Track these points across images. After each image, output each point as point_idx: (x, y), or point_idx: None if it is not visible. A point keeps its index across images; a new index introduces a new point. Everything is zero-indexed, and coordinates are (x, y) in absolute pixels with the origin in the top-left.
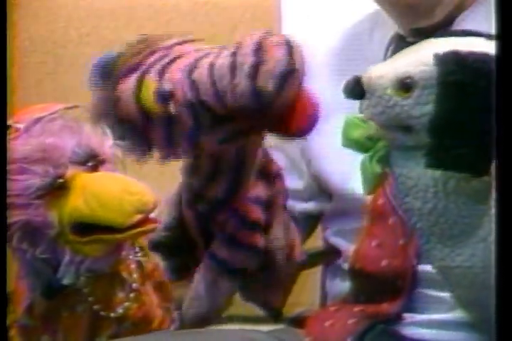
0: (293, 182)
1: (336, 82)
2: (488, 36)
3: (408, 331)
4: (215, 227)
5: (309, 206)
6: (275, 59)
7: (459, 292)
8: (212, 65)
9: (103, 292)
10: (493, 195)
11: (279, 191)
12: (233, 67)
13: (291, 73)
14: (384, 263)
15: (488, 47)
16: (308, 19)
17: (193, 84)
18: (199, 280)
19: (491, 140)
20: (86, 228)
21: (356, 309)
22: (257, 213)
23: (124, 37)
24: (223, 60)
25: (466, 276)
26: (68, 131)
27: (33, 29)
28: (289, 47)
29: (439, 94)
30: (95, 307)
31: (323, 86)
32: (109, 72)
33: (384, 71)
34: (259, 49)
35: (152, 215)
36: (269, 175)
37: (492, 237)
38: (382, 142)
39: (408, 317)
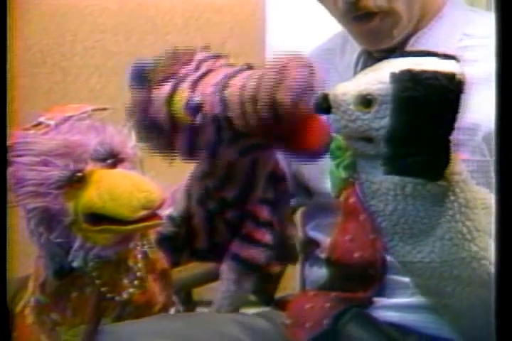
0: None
1: None
2: (442, 55)
3: (378, 314)
4: (224, 225)
5: (291, 202)
6: (296, 77)
7: (419, 283)
8: (243, 87)
9: (110, 277)
10: (450, 197)
11: (284, 192)
12: (259, 88)
13: (309, 90)
14: (356, 255)
15: (440, 65)
16: (291, 34)
17: (223, 101)
18: (225, 281)
19: (442, 148)
20: (97, 218)
21: (333, 294)
22: (267, 213)
23: (125, 49)
24: (253, 82)
25: (426, 270)
26: (93, 130)
27: (43, 42)
28: (310, 68)
29: (395, 109)
30: (102, 289)
31: None
32: (145, 78)
33: (347, 89)
34: (283, 69)
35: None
36: (276, 178)
37: (450, 235)
38: (349, 152)
39: (378, 301)
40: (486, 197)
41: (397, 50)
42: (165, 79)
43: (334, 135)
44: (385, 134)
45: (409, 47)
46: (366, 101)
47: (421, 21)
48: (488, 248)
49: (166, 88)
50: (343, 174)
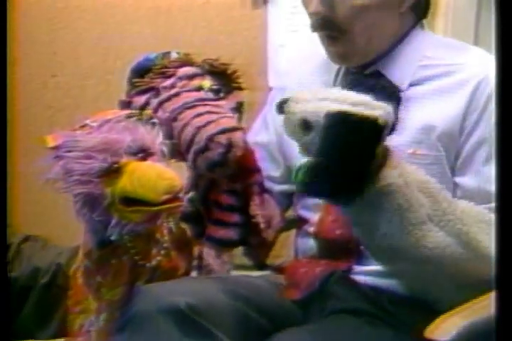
0: (272, 171)
1: None
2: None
3: (357, 278)
4: (204, 212)
5: (283, 188)
6: (215, 153)
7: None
8: (185, 125)
9: (141, 247)
10: (385, 204)
11: (256, 182)
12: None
13: (224, 165)
14: (338, 232)
15: (370, 108)
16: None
17: (170, 130)
18: (207, 256)
19: (352, 177)
20: (130, 201)
21: (322, 262)
22: (232, 200)
23: None
24: (190, 129)
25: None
26: (128, 130)
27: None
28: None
29: (321, 139)
30: (135, 257)
31: None
32: (136, 78)
33: (298, 109)
34: (210, 140)
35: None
36: (248, 170)
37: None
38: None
39: (357, 267)
40: (433, 186)
41: (369, 67)
42: (144, 91)
43: None
44: (317, 159)
45: (379, 65)
46: (306, 125)
47: (386, 44)
48: (426, 235)
49: (142, 99)
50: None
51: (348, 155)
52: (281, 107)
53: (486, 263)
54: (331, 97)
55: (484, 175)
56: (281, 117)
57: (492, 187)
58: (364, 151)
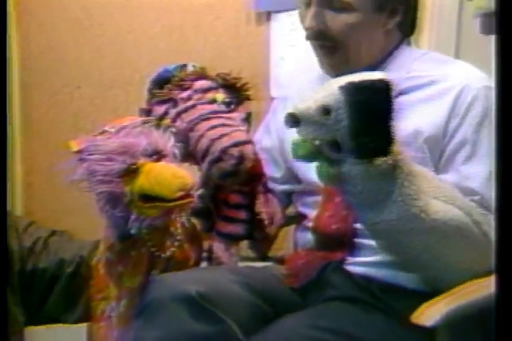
0: (274, 173)
1: None
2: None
3: (350, 268)
4: (214, 208)
5: (284, 187)
6: (226, 164)
7: (382, 243)
8: (201, 136)
9: (157, 240)
10: (397, 170)
11: (260, 184)
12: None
13: (234, 175)
14: (334, 227)
15: (372, 75)
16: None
17: (187, 139)
18: (216, 249)
19: (387, 132)
20: (147, 198)
21: (319, 253)
22: (238, 198)
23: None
24: (206, 141)
25: (387, 228)
26: (143, 134)
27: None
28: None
29: (348, 111)
30: (152, 249)
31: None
32: (156, 89)
33: (308, 105)
34: (224, 152)
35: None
36: (256, 175)
37: (401, 198)
38: (322, 155)
39: (350, 259)
40: (422, 169)
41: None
42: (163, 102)
43: (296, 141)
44: (347, 130)
45: None
46: (325, 110)
47: (374, 58)
48: (429, 203)
49: (161, 109)
50: (331, 170)
51: (375, 115)
52: (292, 116)
53: (484, 241)
54: (331, 83)
55: (463, 173)
56: (296, 125)
57: (470, 183)
58: (385, 107)
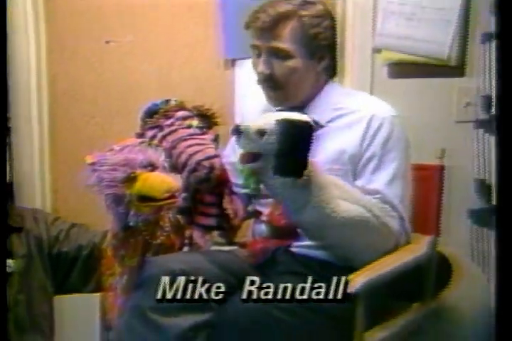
0: (237, 180)
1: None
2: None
3: (295, 250)
4: (193, 206)
5: (245, 191)
6: (200, 173)
7: (307, 234)
8: (181, 153)
9: (150, 230)
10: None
11: (226, 187)
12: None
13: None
14: (283, 222)
15: (300, 117)
16: None
17: (170, 154)
18: (195, 237)
19: (303, 157)
20: (143, 199)
21: (272, 240)
22: (211, 198)
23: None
24: (185, 156)
25: (308, 225)
26: (140, 152)
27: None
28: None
29: (277, 138)
30: (146, 237)
31: None
32: (146, 120)
33: (251, 125)
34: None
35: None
36: (222, 181)
37: (317, 204)
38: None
39: (295, 243)
40: (332, 179)
41: (299, 110)
42: (152, 128)
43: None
44: (274, 152)
45: (306, 109)
46: (261, 133)
47: (308, 93)
48: (339, 204)
49: (151, 133)
50: (252, 185)
51: (296, 145)
52: (238, 129)
53: (385, 230)
54: (271, 115)
55: (371, 178)
56: (238, 135)
57: (374, 186)
58: (305, 141)
